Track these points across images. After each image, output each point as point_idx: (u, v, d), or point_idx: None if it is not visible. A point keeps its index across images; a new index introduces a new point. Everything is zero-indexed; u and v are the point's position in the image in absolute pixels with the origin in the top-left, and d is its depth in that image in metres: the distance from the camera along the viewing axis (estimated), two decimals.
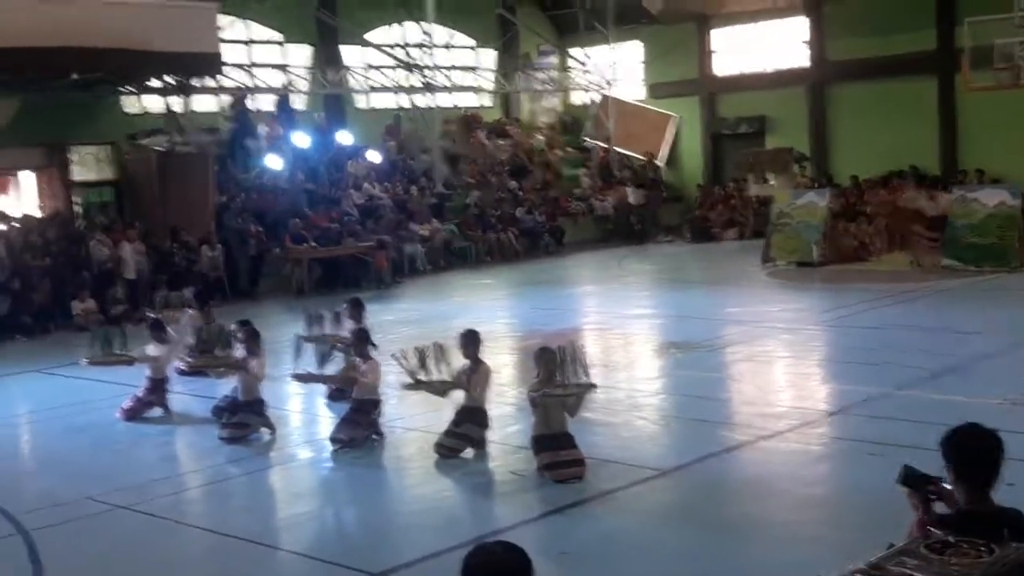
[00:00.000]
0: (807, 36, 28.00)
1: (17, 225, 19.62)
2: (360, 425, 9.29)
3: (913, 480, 4.21)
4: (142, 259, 18.97)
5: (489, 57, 30.73)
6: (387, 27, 27.87)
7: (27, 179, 21.59)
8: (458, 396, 9.01)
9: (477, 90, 29.87)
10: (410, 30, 27.18)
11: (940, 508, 4.19)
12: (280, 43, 26.60)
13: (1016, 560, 3.59)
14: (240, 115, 23.80)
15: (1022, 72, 22.09)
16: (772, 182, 24.09)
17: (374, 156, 25.53)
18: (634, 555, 6.55)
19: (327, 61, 26.38)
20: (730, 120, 29.57)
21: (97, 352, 11.07)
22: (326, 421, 10.22)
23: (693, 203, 28.59)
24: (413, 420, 10.03)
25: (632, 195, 27.96)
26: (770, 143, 27.99)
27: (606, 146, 30.17)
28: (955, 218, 18.84)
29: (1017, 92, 22.84)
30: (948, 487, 4.24)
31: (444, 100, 27.45)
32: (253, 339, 10.03)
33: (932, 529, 3.86)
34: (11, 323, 17.04)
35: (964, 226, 18.59)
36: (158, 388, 10.96)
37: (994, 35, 22.02)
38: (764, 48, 29.06)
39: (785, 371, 12.03)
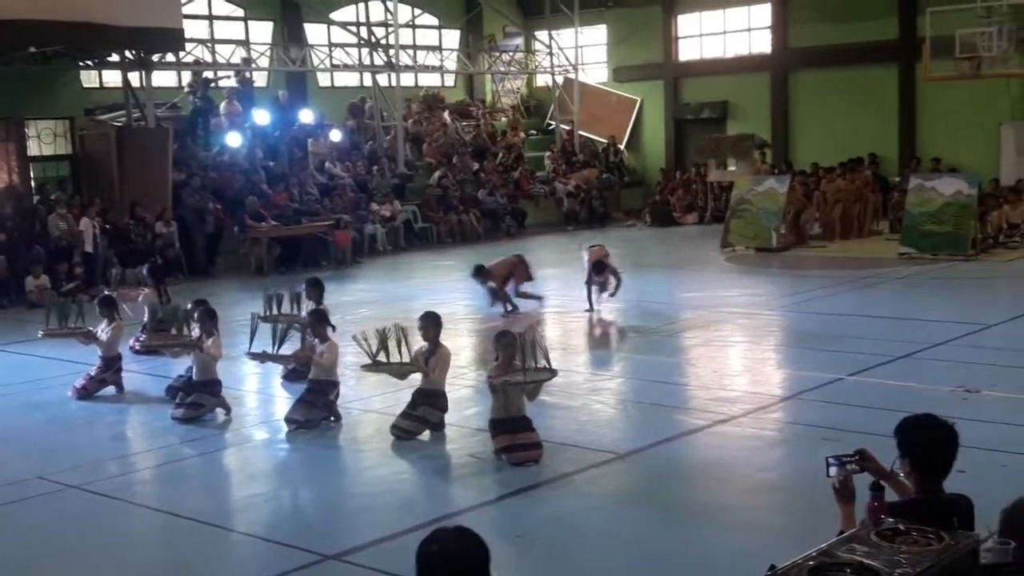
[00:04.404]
0: (771, 22, 28.12)
1: None
2: (316, 406, 9.24)
3: (837, 466, 4.31)
4: (99, 236, 18.73)
5: (453, 37, 30.57)
6: (352, 5, 27.65)
7: None
8: (416, 378, 8.98)
9: (441, 70, 29.72)
10: (374, 8, 26.93)
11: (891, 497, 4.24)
12: (242, 19, 26.31)
13: (965, 549, 3.64)
14: (201, 91, 23.52)
15: (983, 63, 22.32)
16: (733, 168, 24.17)
17: (336, 135, 25.34)
18: (589, 538, 6.57)
19: (290, 38, 26.14)
20: (693, 105, 29.65)
21: (53, 324, 10.97)
22: (282, 402, 10.15)
23: (654, 187, 28.66)
24: (370, 402, 9.99)
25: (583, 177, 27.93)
26: (732, 129, 28.10)
27: (569, 129, 30.15)
28: (912, 206, 19.00)
29: (975, 83, 23.08)
30: (868, 460, 4.35)
31: (407, 80, 27.28)
32: (209, 319, 9.95)
33: (884, 517, 3.89)
34: None
35: (921, 214, 18.76)
36: (111, 367, 10.84)
37: (956, 25, 22.24)
38: (728, 34, 29.16)
39: (741, 356, 12.09)
